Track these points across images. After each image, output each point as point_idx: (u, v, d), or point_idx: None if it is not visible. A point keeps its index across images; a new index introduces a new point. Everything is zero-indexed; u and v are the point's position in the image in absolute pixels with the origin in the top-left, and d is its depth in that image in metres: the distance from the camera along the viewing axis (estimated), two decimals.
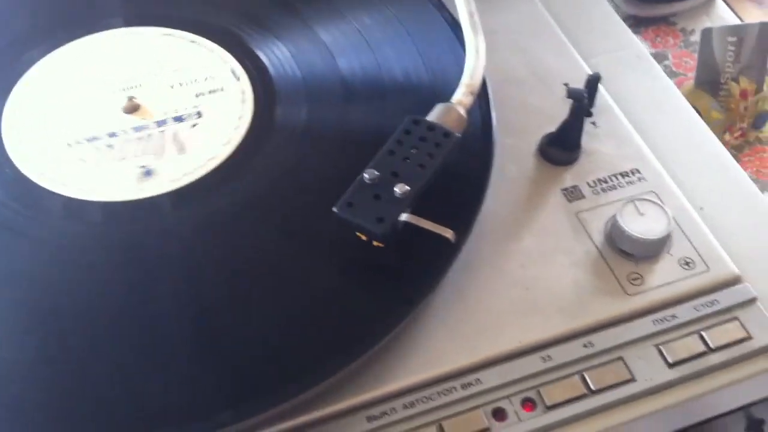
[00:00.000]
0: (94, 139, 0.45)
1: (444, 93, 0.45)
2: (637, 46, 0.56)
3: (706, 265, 0.43)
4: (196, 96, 0.47)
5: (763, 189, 0.76)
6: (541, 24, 0.55)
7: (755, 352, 0.41)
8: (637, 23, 0.92)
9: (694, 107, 0.77)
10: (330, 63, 0.48)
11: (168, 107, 0.46)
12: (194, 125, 0.45)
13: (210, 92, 0.47)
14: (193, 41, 0.49)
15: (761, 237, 0.46)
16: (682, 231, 0.44)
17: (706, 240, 0.44)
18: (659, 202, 0.45)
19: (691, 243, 0.44)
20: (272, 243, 0.41)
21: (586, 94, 0.46)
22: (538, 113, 0.50)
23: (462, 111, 0.43)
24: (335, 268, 0.41)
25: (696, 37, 0.82)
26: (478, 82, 0.45)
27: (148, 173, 0.43)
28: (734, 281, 0.43)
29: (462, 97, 0.44)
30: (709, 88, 0.78)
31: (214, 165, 0.44)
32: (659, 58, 0.88)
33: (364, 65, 0.48)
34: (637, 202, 0.44)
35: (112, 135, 0.45)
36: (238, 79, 0.48)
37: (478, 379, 0.40)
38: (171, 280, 0.39)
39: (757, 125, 0.79)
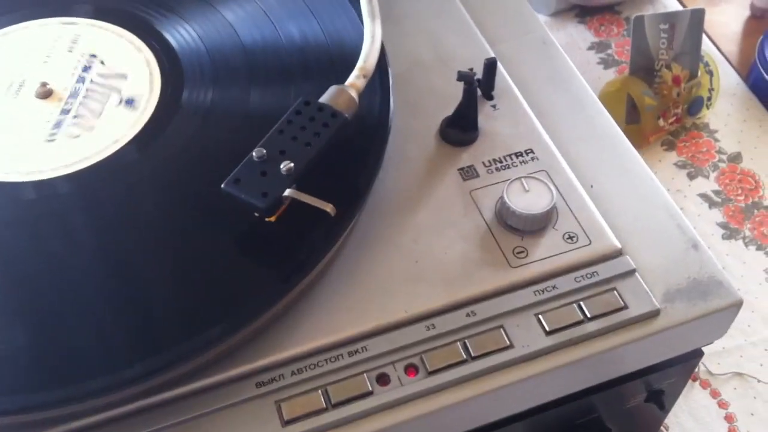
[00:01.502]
0: None
1: (347, 72, 0.49)
2: (544, 31, 0.60)
3: (589, 239, 0.47)
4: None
5: (697, 173, 0.81)
6: (449, 9, 0.59)
7: (630, 321, 0.45)
8: (582, 13, 0.97)
9: (629, 94, 0.82)
10: (235, 42, 0.52)
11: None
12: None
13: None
14: (95, 25, 0.53)
15: (649, 214, 0.50)
16: (569, 207, 0.48)
17: (590, 215, 0.48)
18: (545, 179, 0.49)
19: (575, 218, 0.48)
20: (170, 218, 0.45)
21: (477, 77, 0.50)
22: (443, 96, 0.54)
23: (353, 93, 0.47)
24: (230, 241, 0.45)
25: None
26: (371, 66, 0.49)
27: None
28: (615, 254, 0.47)
29: (354, 80, 0.48)
30: (644, 74, 0.83)
31: (120, 145, 0.48)
32: (602, 47, 0.93)
33: (267, 44, 0.52)
34: (523, 180, 0.48)
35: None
36: (147, 61, 0.52)
37: (365, 347, 0.43)
38: (65, 257, 0.44)
39: (692, 111, 0.84)
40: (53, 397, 0.38)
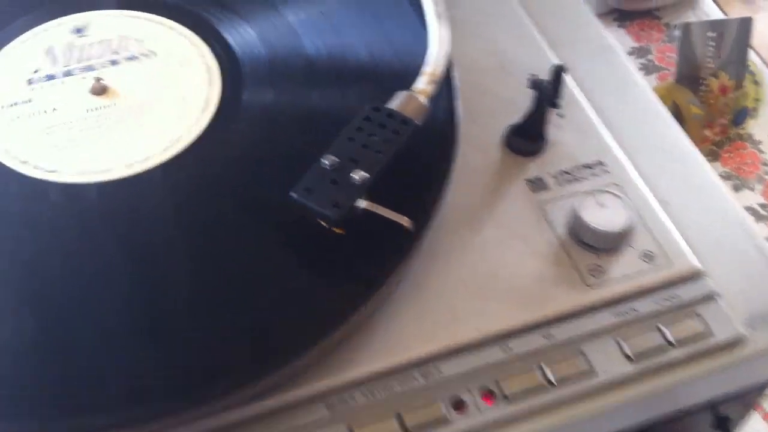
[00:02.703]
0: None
1: (409, 78, 0.47)
2: (605, 37, 0.58)
3: (668, 259, 0.46)
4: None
5: (742, 185, 0.80)
6: (507, 12, 0.58)
7: (715, 348, 0.43)
8: (621, 17, 0.96)
9: (674, 102, 0.80)
10: (296, 45, 0.50)
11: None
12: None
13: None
14: (155, 21, 0.52)
15: (725, 233, 0.48)
16: (645, 224, 0.47)
17: (668, 234, 0.46)
18: (621, 194, 0.47)
19: (653, 236, 0.46)
20: (230, 228, 0.43)
21: (549, 85, 0.49)
22: (504, 103, 0.52)
23: (422, 99, 0.45)
24: (295, 254, 0.43)
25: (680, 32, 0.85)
26: (439, 71, 0.47)
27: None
28: (695, 276, 0.45)
29: (423, 85, 0.46)
30: (689, 83, 0.81)
31: (180, 148, 0.46)
32: (642, 52, 0.92)
33: (329, 47, 0.50)
34: (598, 194, 0.46)
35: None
36: (206, 62, 0.50)
37: (438, 369, 0.42)
38: (121, 264, 0.42)
39: (737, 121, 0.82)
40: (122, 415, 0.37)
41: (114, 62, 0.49)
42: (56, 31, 0.52)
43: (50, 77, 0.49)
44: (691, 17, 0.90)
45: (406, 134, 0.43)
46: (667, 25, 0.92)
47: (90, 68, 0.49)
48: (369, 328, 0.42)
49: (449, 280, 0.45)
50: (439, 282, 0.44)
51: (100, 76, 0.48)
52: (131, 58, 0.49)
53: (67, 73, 0.49)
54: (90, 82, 0.48)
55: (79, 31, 0.51)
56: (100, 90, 0.48)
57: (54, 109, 0.48)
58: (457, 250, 0.46)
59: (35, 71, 0.50)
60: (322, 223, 0.41)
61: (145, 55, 0.49)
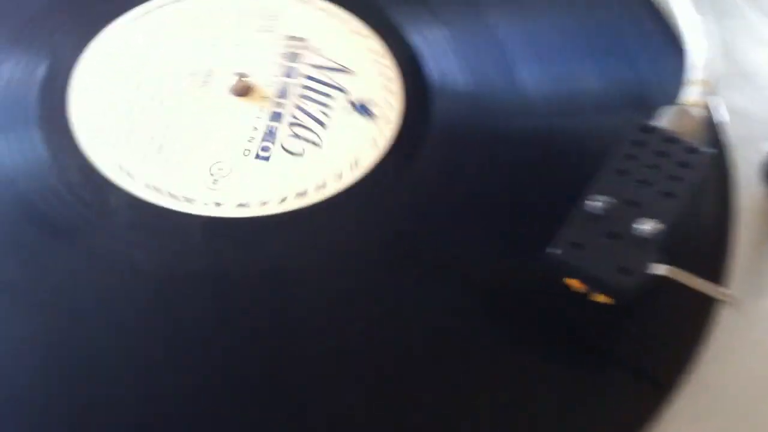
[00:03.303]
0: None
1: (656, 92, 0.36)
2: None
3: None
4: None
5: None
6: (733, 7, 0.46)
7: None
8: None
9: None
10: (502, 56, 0.38)
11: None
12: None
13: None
14: (322, 9, 0.39)
15: None
16: None
17: None
18: None
19: None
20: (428, 295, 0.31)
21: None
22: (752, 121, 0.40)
23: (700, 114, 0.33)
24: (537, 337, 0.30)
25: None
26: (714, 75, 0.35)
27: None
28: None
29: (697, 96, 0.34)
30: None
31: (346, 184, 0.34)
32: None
33: (547, 63, 0.38)
34: None
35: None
36: (377, 58, 0.38)
37: None
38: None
39: None
40: None
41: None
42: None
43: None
44: None
45: (699, 167, 0.31)
46: None
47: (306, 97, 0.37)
48: None
49: (735, 370, 0.32)
50: (723, 374, 0.32)
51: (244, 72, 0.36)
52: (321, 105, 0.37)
53: (288, 74, 0.37)
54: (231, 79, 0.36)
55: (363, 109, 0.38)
56: (242, 90, 0.35)
57: None
58: (741, 329, 0.33)
59: (296, 51, 0.38)
60: (572, 284, 0.29)
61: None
